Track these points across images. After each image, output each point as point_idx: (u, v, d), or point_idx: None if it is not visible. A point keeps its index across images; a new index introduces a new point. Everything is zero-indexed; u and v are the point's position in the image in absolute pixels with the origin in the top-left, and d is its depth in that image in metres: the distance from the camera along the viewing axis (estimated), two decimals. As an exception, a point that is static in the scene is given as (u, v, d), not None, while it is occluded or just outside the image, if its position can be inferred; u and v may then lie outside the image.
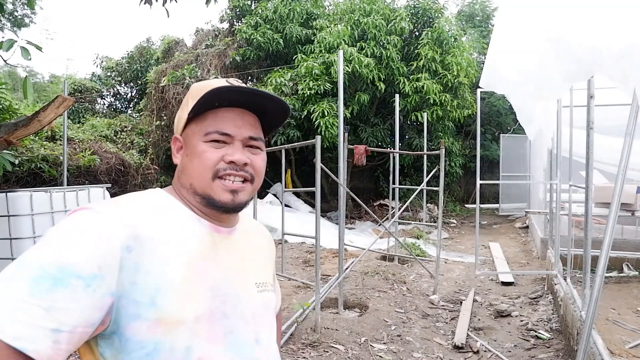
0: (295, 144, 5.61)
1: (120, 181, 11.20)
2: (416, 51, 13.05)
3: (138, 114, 16.31)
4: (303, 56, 12.34)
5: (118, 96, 18.55)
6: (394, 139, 9.21)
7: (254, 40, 12.98)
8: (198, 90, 1.13)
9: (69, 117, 13.89)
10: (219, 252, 1.11)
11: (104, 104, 18.53)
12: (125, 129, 14.32)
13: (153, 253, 0.97)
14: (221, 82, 1.13)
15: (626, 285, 6.37)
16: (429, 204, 13.62)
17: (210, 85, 1.11)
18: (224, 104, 1.10)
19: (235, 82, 1.15)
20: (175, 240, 1.02)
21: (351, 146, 8.04)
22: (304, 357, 4.28)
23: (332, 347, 4.49)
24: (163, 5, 4.68)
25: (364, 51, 12.24)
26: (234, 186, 1.09)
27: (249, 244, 1.23)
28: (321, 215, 9.49)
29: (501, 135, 15.23)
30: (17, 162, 7.41)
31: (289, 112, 1.18)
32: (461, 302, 5.98)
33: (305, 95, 11.68)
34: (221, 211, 1.11)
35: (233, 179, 1.09)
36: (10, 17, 18.02)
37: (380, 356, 4.39)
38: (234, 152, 1.09)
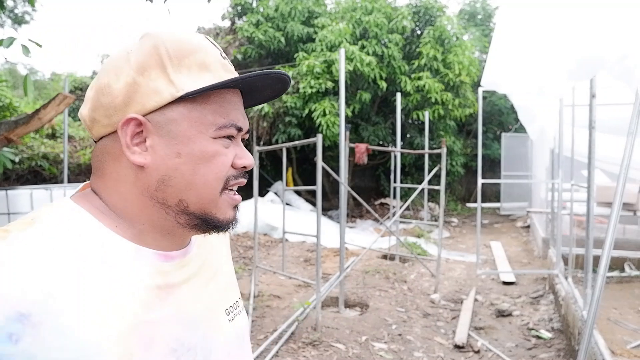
0: (297, 142, 5.60)
1: (121, 179, 11.20)
2: (418, 50, 13.04)
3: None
4: (304, 54, 12.33)
5: (119, 94, 18.54)
6: (395, 138, 9.20)
7: (256, 38, 12.97)
8: (181, 50, 0.75)
9: (69, 115, 13.86)
10: (174, 288, 0.78)
11: (105, 101, 18.50)
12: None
13: (61, 332, 0.63)
14: (203, 40, 0.79)
15: (628, 285, 6.35)
16: (430, 203, 13.61)
17: (199, 45, 0.77)
18: (238, 85, 0.78)
19: (211, 41, 0.81)
20: (102, 296, 0.68)
21: (352, 145, 8.04)
22: (305, 356, 4.27)
23: (333, 346, 4.49)
24: (164, 1, 4.66)
25: (366, 50, 12.22)
26: (239, 199, 0.82)
27: (207, 255, 0.91)
28: (322, 214, 9.49)
29: (503, 134, 15.21)
30: (17, 159, 7.42)
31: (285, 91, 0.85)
32: (462, 302, 5.97)
33: (307, 93, 11.67)
34: (215, 232, 0.81)
35: (236, 188, 0.81)
36: (10, 14, 18.02)
37: (380, 355, 4.38)
38: (243, 154, 0.80)
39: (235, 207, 0.82)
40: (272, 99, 0.89)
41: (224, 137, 0.76)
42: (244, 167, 0.80)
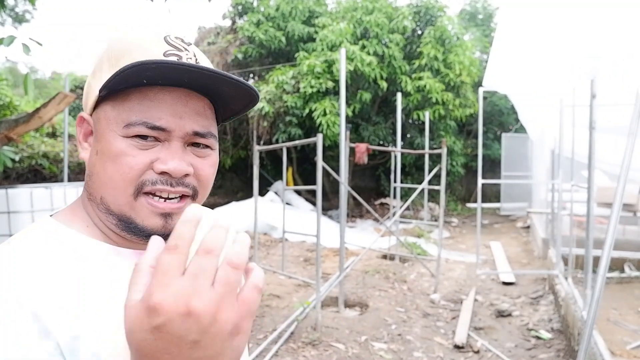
0: (297, 142, 5.60)
1: (121, 178, 11.22)
2: (418, 50, 13.04)
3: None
4: (305, 54, 12.33)
5: (119, 93, 18.54)
6: (395, 138, 9.20)
7: (256, 37, 12.97)
8: (120, 50, 0.75)
9: (70, 114, 13.86)
10: None
11: (106, 100, 18.51)
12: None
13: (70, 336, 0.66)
14: (154, 40, 0.76)
15: (628, 285, 6.35)
16: (430, 203, 13.60)
17: (139, 45, 0.75)
18: (158, 82, 0.72)
19: (178, 41, 0.78)
20: (89, 302, 0.68)
21: (353, 145, 8.04)
22: (304, 356, 4.27)
23: (333, 345, 4.49)
24: (165, 1, 4.67)
25: (366, 49, 12.22)
26: (166, 208, 0.74)
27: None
28: (322, 214, 9.47)
29: (503, 134, 15.21)
30: (17, 158, 7.42)
31: (257, 100, 0.79)
32: (462, 302, 5.96)
33: (307, 93, 11.67)
34: (147, 239, 0.71)
35: (167, 195, 0.74)
36: (11, 13, 18.01)
37: (380, 355, 4.38)
38: (168, 157, 0.72)
39: (164, 215, 0.74)
40: (242, 110, 0.83)
41: (135, 136, 0.72)
42: (165, 172, 0.72)
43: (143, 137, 0.72)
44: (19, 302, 0.63)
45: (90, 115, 0.77)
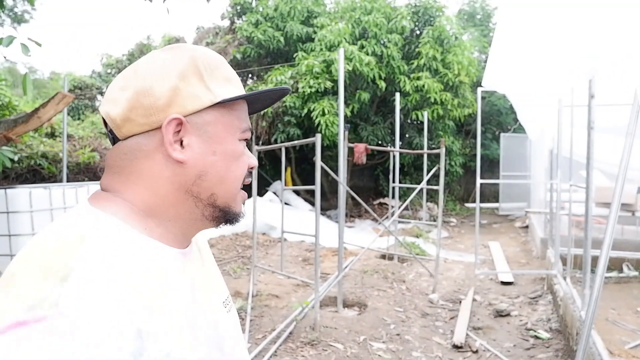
0: (296, 142, 5.60)
1: (120, 178, 11.17)
2: (417, 50, 13.04)
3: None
4: (304, 54, 12.32)
5: (118, 93, 18.50)
6: (394, 138, 9.21)
7: (255, 38, 12.97)
8: (212, 63, 0.84)
9: (68, 114, 13.87)
10: (193, 283, 0.83)
11: (104, 101, 18.48)
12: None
13: (159, 350, 0.69)
14: (224, 63, 0.88)
15: (626, 285, 6.37)
16: (428, 203, 13.61)
17: (223, 62, 0.87)
18: (251, 97, 0.89)
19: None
20: (170, 303, 0.73)
21: (351, 144, 8.04)
22: (303, 356, 4.27)
23: (331, 345, 4.49)
24: (164, 1, 4.66)
25: (365, 49, 12.22)
26: (246, 195, 0.92)
27: (201, 254, 0.96)
28: (321, 214, 9.47)
29: (502, 134, 15.21)
30: (16, 158, 7.41)
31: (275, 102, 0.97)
32: (460, 302, 5.97)
33: (306, 93, 11.66)
34: (228, 224, 0.88)
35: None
36: (10, 13, 17.99)
37: (379, 355, 4.38)
38: (251, 156, 0.90)
39: (243, 202, 0.91)
40: (266, 108, 0.99)
41: (242, 139, 0.87)
42: (252, 167, 0.90)
43: (244, 140, 0.88)
44: (127, 317, 0.66)
45: (185, 116, 0.80)
